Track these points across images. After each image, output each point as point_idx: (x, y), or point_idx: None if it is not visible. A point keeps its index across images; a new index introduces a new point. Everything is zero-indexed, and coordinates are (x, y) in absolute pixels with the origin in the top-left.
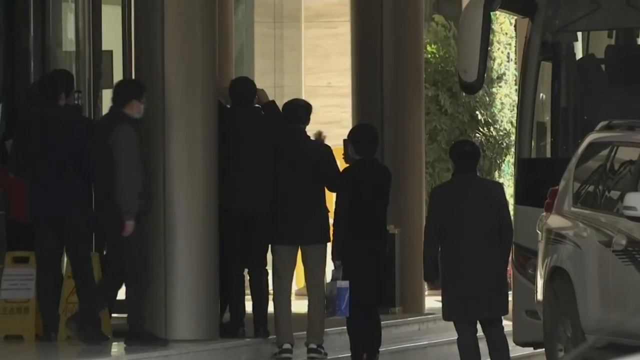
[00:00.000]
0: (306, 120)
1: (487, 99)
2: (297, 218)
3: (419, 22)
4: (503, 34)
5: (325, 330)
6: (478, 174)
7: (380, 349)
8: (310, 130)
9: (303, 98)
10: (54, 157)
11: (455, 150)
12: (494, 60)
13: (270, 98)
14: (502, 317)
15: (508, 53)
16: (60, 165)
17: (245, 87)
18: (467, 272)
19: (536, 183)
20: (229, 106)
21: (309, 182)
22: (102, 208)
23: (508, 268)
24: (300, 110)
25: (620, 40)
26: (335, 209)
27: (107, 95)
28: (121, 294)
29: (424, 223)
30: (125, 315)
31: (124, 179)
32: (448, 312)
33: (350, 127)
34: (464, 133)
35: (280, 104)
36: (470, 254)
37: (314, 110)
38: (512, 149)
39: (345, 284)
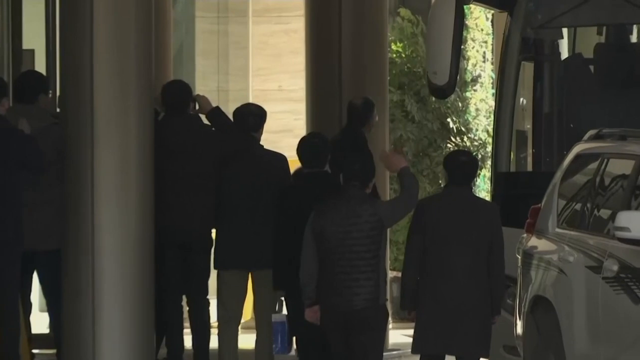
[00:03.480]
0: (259, 129)
1: (460, 104)
2: (248, 239)
3: (383, 18)
4: (478, 31)
5: None
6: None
7: None
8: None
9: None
10: None
11: (450, 161)
12: (467, 60)
13: (214, 104)
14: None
15: (484, 52)
16: None
17: (180, 91)
18: (448, 301)
19: (515, 200)
20: (164, 114)
21: (262, 198)
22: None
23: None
24: (252, 117)
25: (611, 38)
26: (274, 230)
27: None
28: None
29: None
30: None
31: None
32: (417, 344)
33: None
34: (433, 143)
35: (225, 110)
36: (454, 281)
37: None
38: (489, 162)
39: (280, 317)
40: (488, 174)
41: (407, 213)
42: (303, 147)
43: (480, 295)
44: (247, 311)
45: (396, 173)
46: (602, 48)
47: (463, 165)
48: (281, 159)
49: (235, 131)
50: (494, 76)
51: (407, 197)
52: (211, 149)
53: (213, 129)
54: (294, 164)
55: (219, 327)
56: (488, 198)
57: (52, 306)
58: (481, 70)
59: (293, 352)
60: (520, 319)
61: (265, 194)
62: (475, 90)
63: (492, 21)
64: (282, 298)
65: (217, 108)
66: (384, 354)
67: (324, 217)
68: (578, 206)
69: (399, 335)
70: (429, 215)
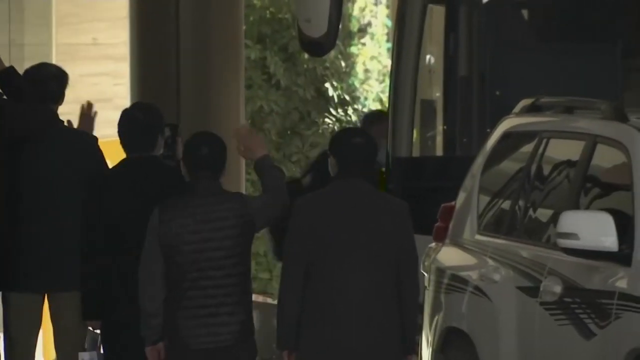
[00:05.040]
0: (58, 98)
1: (343, 63)
2: (42, 253)
3: None
4: None
5: None
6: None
7: None
8: (66, 113)
9: (54, 62)
10: None
11: (339, 143)
12: (353, 2)
13: (5, 62)
14: None
15: None
16: None
17: None
18: (342, 337)
19: (420, 196)
20: None
21: (63, 197)
22: None
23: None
24: (50, 82)
25: None
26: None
27: None
28: None
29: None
30: None
31: None
32: None
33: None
34: (306, 117)
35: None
36: (349, 309)
37: (71, 81)
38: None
39: (90, 356)
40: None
41: (277, 216)
42: (126, 124)
43: (387, 328)
44: (49, 348)
45: (252, 161)
46: None
47: (358, 148)
48: (89, 141)
49: (30, 102)
50: (389, 25)
51: (271, 200)
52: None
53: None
54: (113, 146)
55: None
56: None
57: None
58: (372, 16)
59: None
60: (427, 358)
61: (67, 190)
62: (363, 45)
63: None
64: (96, 331)
65: (12, 67)
66: None
67: (174, 221)
68: (506, 204)
69: None
70: (311, 219)
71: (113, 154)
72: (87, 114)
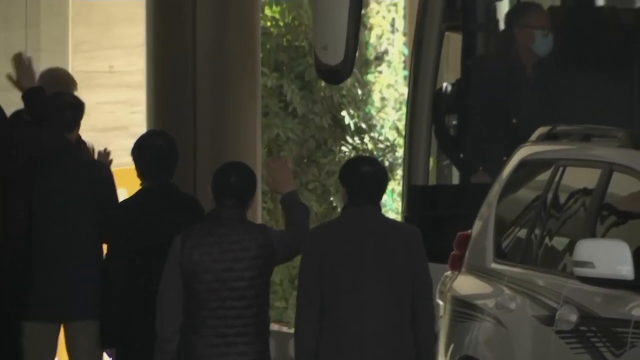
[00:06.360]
0: (73, 127)
1: (360, 91)
2: (59, 282)
3: None
4: None
5: None
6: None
7: None
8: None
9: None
10: None
11: (349, 171)
12: (370, 30)
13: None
14: None
15: (393, 19)
16: None
17: None
18: None
19: (436, 225)
20: None
21: (76, 227)
22: None
23: None
24: (67, 111)
25: (572, 1)
26: (106, 266)
27: None
28: None
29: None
30: None
31: None
32: None
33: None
34: (322, 145)
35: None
36: (365, 337)
37: (87, 108)
38: (399, 172)
39: None
40: (398, 189)
41: (299, 252)
42: (143, 151)
43: (403, 356)
44: None
45: (279, 194)
46: (559, 14)
47: (367, 177)
48: (101, 170)
49: (46, 127)
50: (406, 53)
51: (294, 235)
52: (22, 149)
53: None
54: (129, 174)
55: None
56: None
57: None
58: (389, 44)
59: None
60: None
61: (81, 217)
62: (380, 73)
63: None
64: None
65: (40, 87)
66: None
67: (197, 248)
68: (523, 233)
69: None
70: (324, 248)
71: (129, 182)
72: (24, 65)
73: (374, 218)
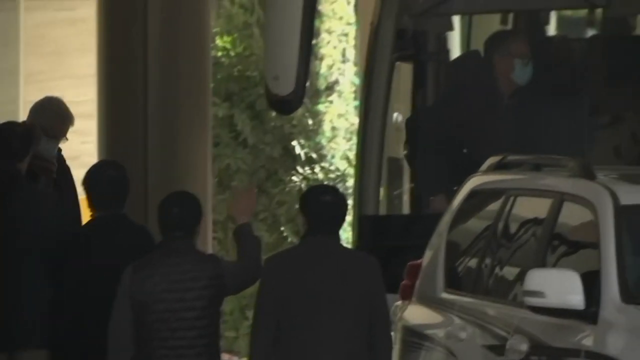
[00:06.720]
0: (23, 156)
1: (311, 121)
2: (4, 312)
3: (204, 2)
4: (337, 20)
5: None
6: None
7: None
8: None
9: (22, 120)
10: None
11: (310, 201)
12: (321, 60)
13: None
14: None
15: (344, 49)
16: None
17: None
18: None
19: (387, 255)
20: None
21: (23, 256)
22: None
23: None
24: (15, 140)
25: (521, 30)
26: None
27: None
28: None
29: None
30: None
31: None
32: None
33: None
34: (273, 175)
35: None
36: None
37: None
38: (350, 201)
39: None
40: (348, 219)
41: (249, 284)
42: (94, 181)
43: None
44: None
45: (233, 224)
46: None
47: (328, 206)
48: (52, 199)
49: None
50: (357, 83)
51: (246, 267)
52: None
53: None
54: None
55: None
56: None
57: None
58: (340, 74)
59: None
60: None
61: (30, 246)
62: (331, 103)
63: (355, 6)
64: None
65: None
66: None
67: (147, 279)
68: (473, 262)
69: None
70: (281, 277)
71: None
72: None
73: (332, 247)
